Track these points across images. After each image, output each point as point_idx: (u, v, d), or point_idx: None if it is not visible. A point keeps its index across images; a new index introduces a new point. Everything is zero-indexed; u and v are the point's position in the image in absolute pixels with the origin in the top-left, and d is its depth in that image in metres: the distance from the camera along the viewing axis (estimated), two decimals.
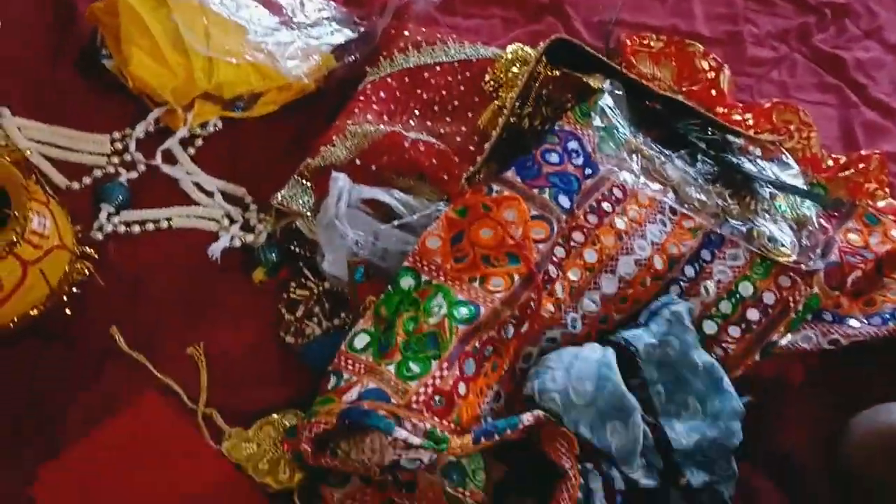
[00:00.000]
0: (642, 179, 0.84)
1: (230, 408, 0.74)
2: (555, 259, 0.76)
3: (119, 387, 0.74)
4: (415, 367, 0.66)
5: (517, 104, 0.83)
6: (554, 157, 0.81)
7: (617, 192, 0.82)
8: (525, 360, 0.74)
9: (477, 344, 0.70)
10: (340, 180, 0.77)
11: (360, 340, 0.71)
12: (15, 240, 0.67)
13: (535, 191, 0.78)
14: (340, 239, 0.78)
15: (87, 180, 0.87)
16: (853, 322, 0.81)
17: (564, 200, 0.78)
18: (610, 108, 0.83)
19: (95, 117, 0.91)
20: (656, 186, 0.84)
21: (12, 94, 0.89)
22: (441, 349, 0.67)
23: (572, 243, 0.78)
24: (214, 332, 0.79)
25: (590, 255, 0.78)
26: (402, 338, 0.69)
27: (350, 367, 0.69)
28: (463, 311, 0.70)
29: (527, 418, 0.66)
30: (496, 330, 0.71)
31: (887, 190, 0.96)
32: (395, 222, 0.77)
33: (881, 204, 0.95)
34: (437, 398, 0.65)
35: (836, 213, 0.92)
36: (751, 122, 1.03)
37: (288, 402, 0.75)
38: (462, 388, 0.67)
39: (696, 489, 0.69)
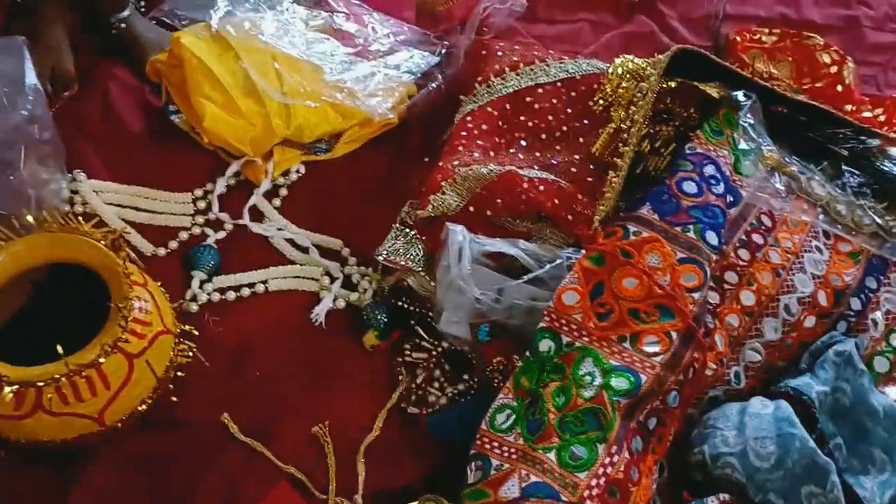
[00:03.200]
0: (789, 202, 0.74)
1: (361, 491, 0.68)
2: (709, 306, 0.68)
3: (239, 476, 0.68)
4: (580, 453, 0.58)
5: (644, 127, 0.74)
6: (691, 187, 0.72)
7: (765, 220, 0.73)
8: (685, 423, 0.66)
9: (641, 417, 0.62)
10: (459, 234, 0.69)
11: (503, 417, 0.63)
12: (120, 335, 0.61)
13: (679, 229, 0.69)
14: (461, 296, 0.70)
15: (173, 244, 0.80)
16: None
17: (712, 237, 0.69)
18: (751, 124, 0.74)
19: (172, 175, 0.84)
20: (805, 208, 0.75)
21: (87, 155, 0.83)
22: (606, 430, 0.59)
23: (726, 286, 0.69)
24: (330, 405, 0.72)
25: (747, 298, 0.69)
26: (554, 415, 0.61)
27: (497, 452, 0.61)
28: (621, 382, 0.61)
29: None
30: (660, 399, 0.63)
31: None
32: (525, 277, 0.69)
33: None
34: (611, 489, 0.57)
35: None
36: (882, 119, 0.92)
37: (423, 481, 0.68)
38: (634, 474, 0.59)
39: None
